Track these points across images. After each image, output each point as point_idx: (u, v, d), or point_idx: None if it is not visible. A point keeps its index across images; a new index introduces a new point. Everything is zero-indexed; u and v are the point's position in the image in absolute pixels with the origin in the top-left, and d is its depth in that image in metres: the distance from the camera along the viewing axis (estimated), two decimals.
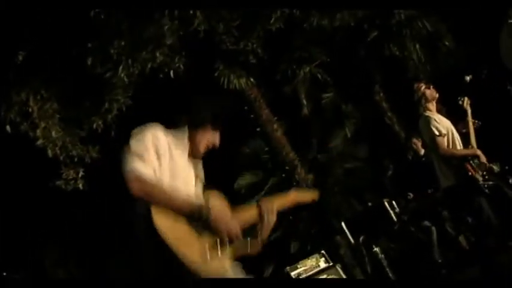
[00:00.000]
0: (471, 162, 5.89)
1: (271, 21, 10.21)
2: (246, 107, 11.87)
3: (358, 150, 13.05)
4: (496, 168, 8.64)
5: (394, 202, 9.15)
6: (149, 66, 9.54)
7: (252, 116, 11.92)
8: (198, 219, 3.15)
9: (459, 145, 6.03)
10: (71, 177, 10.13)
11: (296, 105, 12.65)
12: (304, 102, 12.49)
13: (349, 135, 12.92)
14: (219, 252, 3.21)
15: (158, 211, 3.06)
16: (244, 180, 12.39)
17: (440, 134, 5.86)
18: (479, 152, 5.92)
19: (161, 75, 9.85)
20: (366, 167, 12.37)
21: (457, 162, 5.92)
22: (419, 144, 8.29)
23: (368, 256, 8.76)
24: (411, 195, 9.18)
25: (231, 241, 3.23)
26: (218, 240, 3.21)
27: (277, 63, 12.17)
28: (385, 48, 12.34)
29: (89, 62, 9.30)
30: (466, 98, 6.21)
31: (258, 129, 12.04)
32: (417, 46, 12.60)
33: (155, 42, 9.34)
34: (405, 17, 11.86)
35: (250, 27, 10.66)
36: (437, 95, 6.14)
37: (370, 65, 12.68)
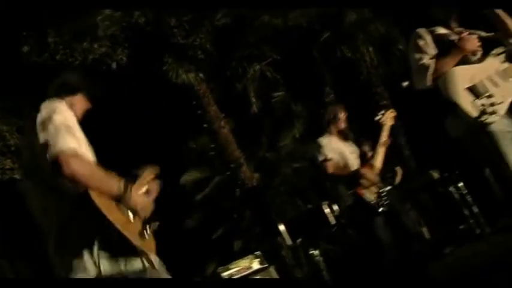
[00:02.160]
0: (361, 182, 5.88)
1: (218, 17, 10.11)
2: (194, 102, 11.74)
3: (307, 150, 12.98)
4: (436, 175, 8.64)
5: (334, 205, 9.11)
6: (91, 57, 9.36)
7: (199, 111, 11.79)
8: (119, 197, 2.78)
9: (355, 165, 6.04)
10: (7, 167, 9.90)
11: (246, 103, 12.55)
12: (254, 100, 12.38)
13: (297, 135, 12.84)
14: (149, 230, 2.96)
15: (94, 193, 2.64)
16: (190, 176, 12.22)
17: (326, 159, 5.89)
18: (363, 171, 5.90)
19: (104, 67, 9.67)
20: (312, 167, 12.33)
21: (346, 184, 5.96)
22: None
23: (306, 258, 8.72)
24: None
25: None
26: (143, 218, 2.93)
27: (228, 60, 12.07)
28: (337, 50, 12.34)
29: (25, 50, 9.09)
30: (388, 112, 6.16)
31: (205, 125, 11.92)
32: (370, 49, 12.62)
33: (92, 33, 9.15)
34: (357, 19, 11.86)
35: (199, 22, 10.56)
36: (340, 120, 6.16)
37: (321, 65, 12.64)
